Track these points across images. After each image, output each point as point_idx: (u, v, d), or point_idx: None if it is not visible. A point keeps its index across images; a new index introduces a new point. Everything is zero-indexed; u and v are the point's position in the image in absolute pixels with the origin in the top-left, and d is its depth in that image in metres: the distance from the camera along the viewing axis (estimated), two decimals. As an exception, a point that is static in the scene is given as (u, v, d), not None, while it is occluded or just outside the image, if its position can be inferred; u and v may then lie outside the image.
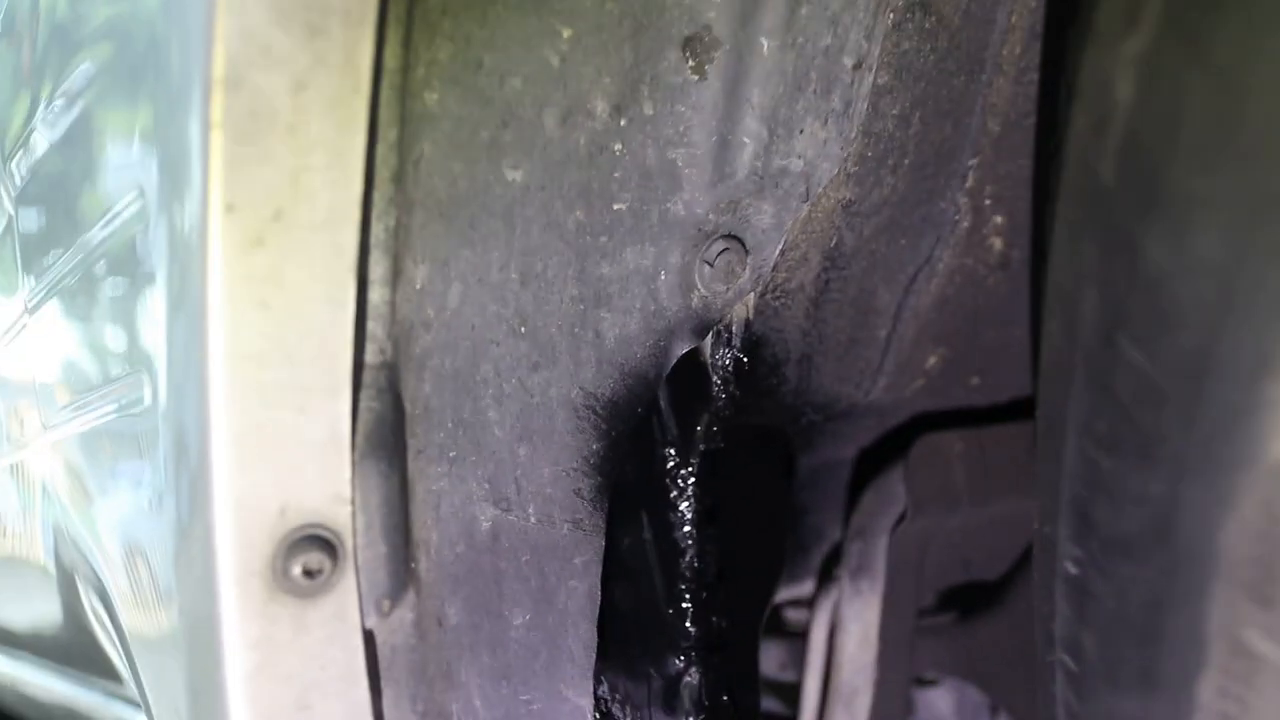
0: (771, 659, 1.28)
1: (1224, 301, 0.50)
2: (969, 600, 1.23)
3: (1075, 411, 0.60)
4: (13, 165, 0.97)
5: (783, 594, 1.22)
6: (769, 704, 1.18)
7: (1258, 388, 0.50)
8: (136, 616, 0.84)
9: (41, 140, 0.88)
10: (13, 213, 0.99)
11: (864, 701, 1.06)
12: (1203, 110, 0.51)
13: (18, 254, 0.98)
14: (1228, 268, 0.50)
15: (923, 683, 1.43)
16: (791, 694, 1.16)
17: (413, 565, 0.69)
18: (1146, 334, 0.54)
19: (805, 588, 1.16)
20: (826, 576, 1.13)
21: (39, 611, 1.25)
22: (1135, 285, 0.54)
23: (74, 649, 1.19)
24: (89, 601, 1.00)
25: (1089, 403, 0.59)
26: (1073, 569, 0.63)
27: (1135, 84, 0.54)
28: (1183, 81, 0.52)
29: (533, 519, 0.74)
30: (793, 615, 1.30)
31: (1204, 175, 0.51)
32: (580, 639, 0.75)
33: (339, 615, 0.65)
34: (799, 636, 1.21)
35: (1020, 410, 1.12)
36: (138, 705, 1.01)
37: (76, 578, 1.01)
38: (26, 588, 1.21)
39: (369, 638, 0.67)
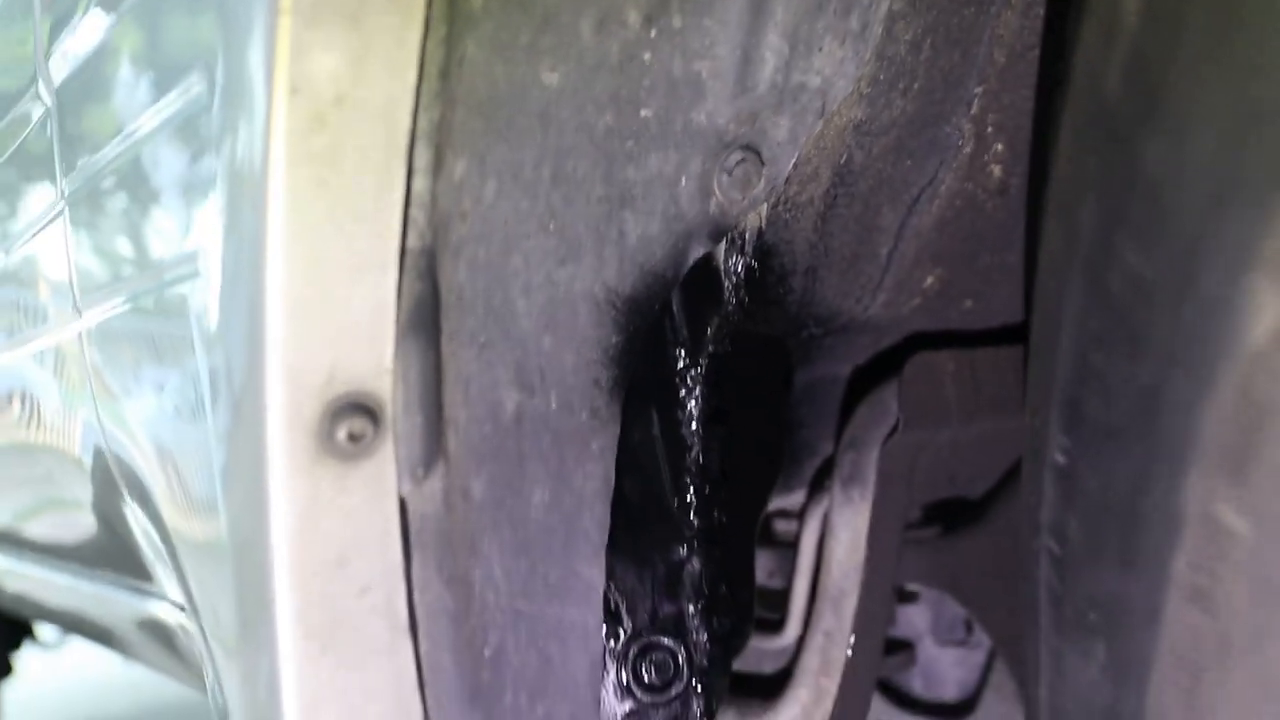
0: (761, 567, 1.34)
1: (1213, 202, 0.55)
2: (953, 516, 1.29)
3: (1070, 310, 0.65)
4: (54, 58, 1.01)
5: (775, 503, 1.27)
6: (758, 610, 1.23)
7: (1238, 280, 0.55)
8: (175, 505, 0.89)
9: (90, 29, 0.92)
10: (51, 104, 1.03)
11: (850, 603, 1.12)
12: (1200, 28, 0.56)
13: (56, 145, 1.02)
14: (1218, 171, 0.55)
15: (902, 599, 1.49)
16: (779, 600, 1.22)
17: (443, 441, 0.74)
18: (1142, 234, 0.59)
19: (796, 498, 1.22)
20: (818, 487, 1.18)
21: (69, 510, 1.29)
22: (1134, 189, 0.59)
23: (103, 548, 1.23)
24: (125, 496, 1.04)
25: (1084, 302, 0.64)
26: (1061, 459, 0.68)
27: (1142, 2, 0.59)
28: (1184, 1, 0.57)
29: (554, 405, 0.78)
30: (782, 526, 1.35)
31: (1200, 87, 0.56)
32: (595, 520, 0.80)
33: (377, 480, 0.70)
34: (788, 546, 1.27)
35: (1009, 336, 1.17)
36: (167, 599, 1.06)
37: (113, 472, 1.05)
38: (56, 480, 1.25)
39: (402, 505, 0.72)
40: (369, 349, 0.68)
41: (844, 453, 1.12)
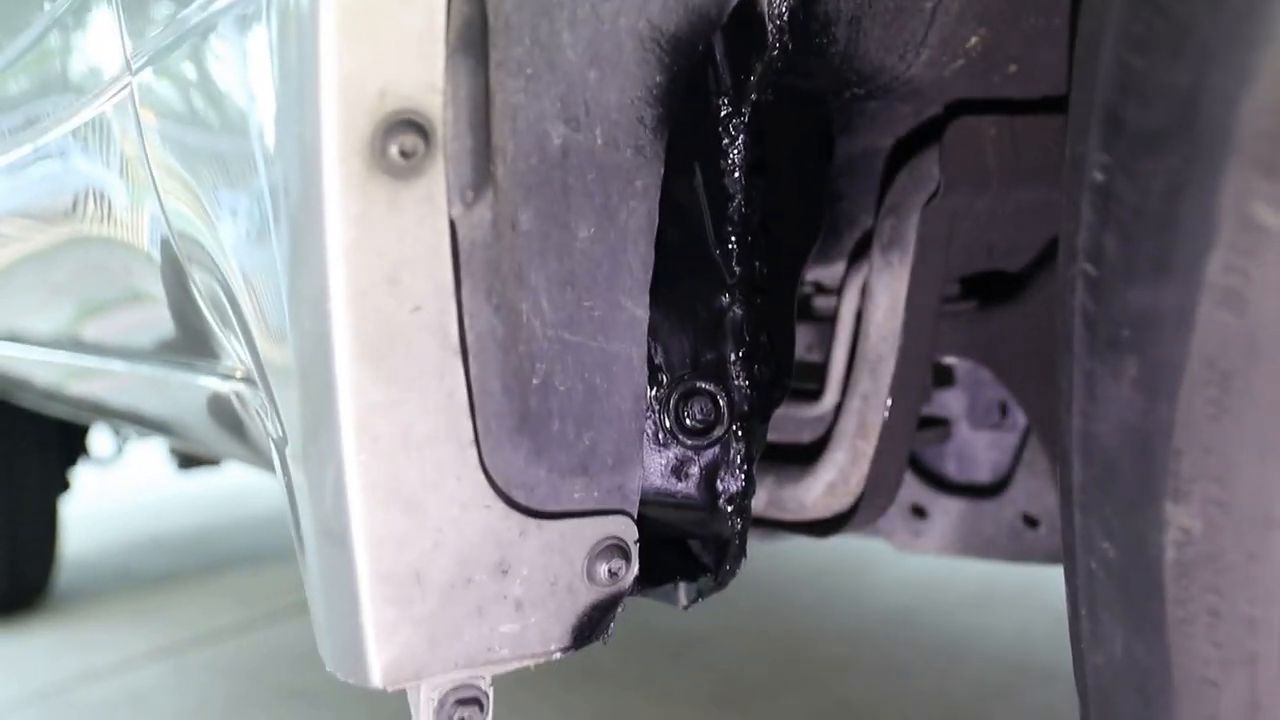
0: (800, 341, 1.36)
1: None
2: (990, 290, 1.30)
3: (1113, 20, 0.66)
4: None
5: (814, 274, 1.29)
6: (796, 381, 1.26)
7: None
8: (237, 254, 0.91)
9: None
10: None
11: (888, 368, 1.14)
12: None
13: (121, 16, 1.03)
14: None
15: (939, 382, 1.51)
16: (818, 373, 1.24)
17: (491, 168, 0.75)
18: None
19: (836, 270, 1.23)
20: (858, 257, 1.19)
21: (139, 303, 1.31)
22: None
23: (170, 336, 1.26)
24: (191, 275, 1.06)
25: (1128, 7, 0.64)
26: (1100, 176, 0.69)
27: None
28: None
29: (599, 141, 0.80)
30: (821, 303, 1.37)
31: None
32: (639, 255, 0.82)
33: (428, 198, 0.72)
34: (826, 321, 1.29)
35: (1051, 105, 1.17)
36: (234, 376, 1.08)
37: (178, 252, 1.07)
38: (132, 272, 1.27)
39: (453, 227, 0.74)
40: (420, 66, 0.69)
41: (884, 218, 1.14)
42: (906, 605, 3.13)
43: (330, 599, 0.79)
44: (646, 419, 0.92)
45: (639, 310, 0.82)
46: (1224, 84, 0.59)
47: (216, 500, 5.16)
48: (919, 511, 1.58)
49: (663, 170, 0.83)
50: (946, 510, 1.56)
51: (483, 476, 0.78)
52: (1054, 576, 1.43)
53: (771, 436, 1.27)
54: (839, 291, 1.22)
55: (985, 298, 1.30)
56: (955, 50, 1.03)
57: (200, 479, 5.04)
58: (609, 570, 0.83)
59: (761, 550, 1.82)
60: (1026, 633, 2.85)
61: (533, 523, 0.80)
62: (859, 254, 1.20)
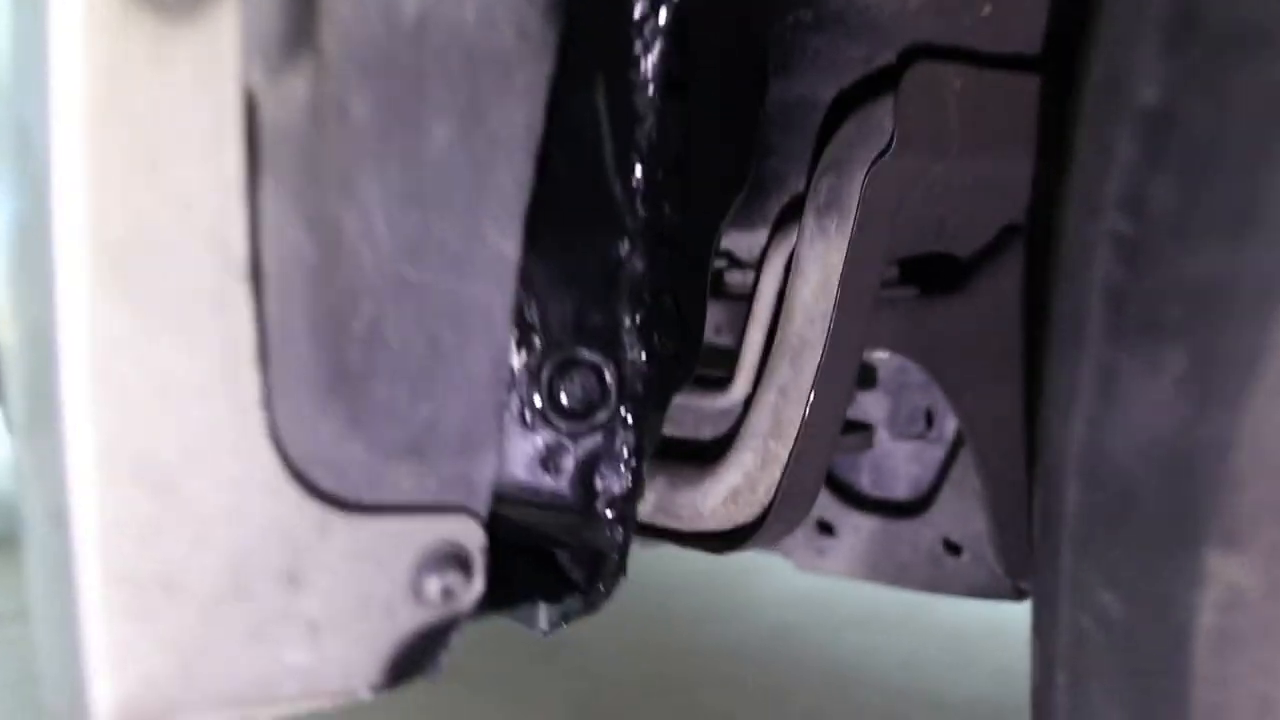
0: (707, 320, 1.16)
1: None
2: (935, 277, 1.11)
3: None
4: None
5: (727, 242, 1.09)
6: (699, 368, 1.06)
7: None
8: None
9: None
10: None
11: (813, 356, 0.95)
12: None
13: None
14: None
15: (859, 383, 1.32)
16: (727, 358, 1.04)
17: (314, 29, 0.54)
18: None
19: (756, 238, 1.03)
20: (784, 223, 1.00)
21: None
22: None
23: None
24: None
25: None
26: (1153, 96, 0.49)
27: None
28: None
29: (470, 14, 0.59)
30: (733, 280, 1.17)
31: None
32: (513, 173, 0.61)
33: (213, 54, 0.51)
34: (740, 299, 1.09)
35: (1023, 64, 0.99)
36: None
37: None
38: None
39: (250, 102, 0.53)
40: None
41: (822, 176, 0.94)
42: (792, 621, 2.99)
43: (47, 607, 0.57)
44: (509, 391, 0.72)
45: (507, 245, 0.62)
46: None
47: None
48: (825, 528, 1.39)
49: (553, 69, 0.62)
50: (857, 528, 1.37)
51: (272, 450, 0.57)
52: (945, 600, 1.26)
53: (666, 429, 1.07)
54: (759, 264, 1.02)
55: (927, 285, 1.11)
56: (925, -27, 0.85)
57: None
58: (442, 586, 0.63)
59: (644, 551, 1.64)
60: (914, 658, 2.72)
61: (340, 517, 0.59)
62: (786, 220, 1.00)
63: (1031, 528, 1.21)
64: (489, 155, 0.60)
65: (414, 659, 0.63)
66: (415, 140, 0.59)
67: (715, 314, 1.16)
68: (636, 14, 0.70)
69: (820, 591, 3.13)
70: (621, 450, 0.74)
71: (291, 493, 0.58)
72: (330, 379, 0.58)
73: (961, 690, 2.51)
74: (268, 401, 0.56)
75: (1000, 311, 1.12)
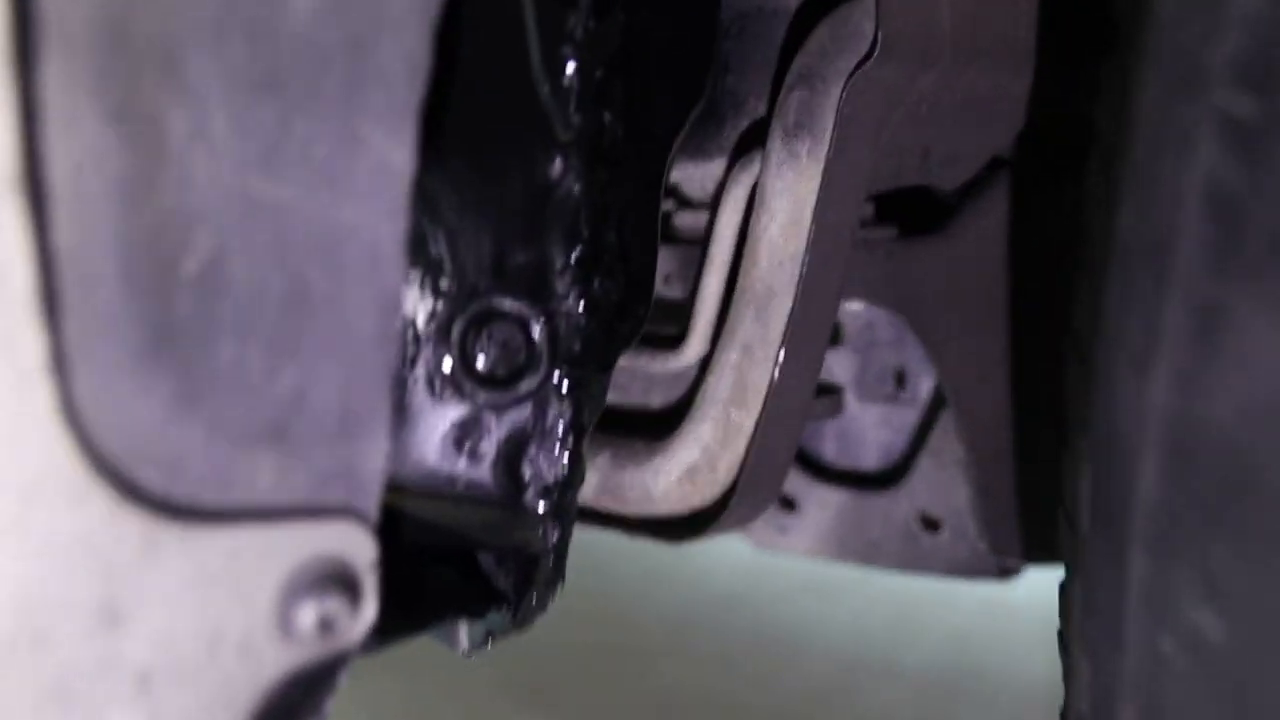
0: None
1: None
2: (915, 216, 0.97)
3: None
4: None
5: (680, 174, 0.93)
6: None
7: None
8: None
9: None
10: None
11: (781, 307, 0.79)
12: None
13: None
14: None
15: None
16: (678, 313, 0.89)
17: None
18: None
19: (711, 170, 0.88)
20: (744, 151, 0.84)
21: None
22: None
23: None
24: None
25: None
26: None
27: None
28: None
29: None
30: (683, 222, 1.01)
31: None
32: (402, 54, 0.45)
33: None
34: (693, 244, 0.94)
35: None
36: None
37: None
38: None
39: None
40: None
41: (791, 91, 0.79)
42: (738, 590, 2.89)
43: None
44: (409, 352, 0.56)
45: (397, 152, 0.46)
46: None
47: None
48: (787, 503, 1.25)
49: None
50: (823, 503, 1.23)
51: (69, 438, 0.41)
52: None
53: (610, 397, 0.91)
54: (715, 200, 0.87)
55: (907, 225, 0.96)
56: None
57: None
58: (320, 616, 0.47)
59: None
60: (864, 624, 2.62)
61: (175, 529, 0.43)
62: (746, 147, 0.85)
63: (1023, 501, 1.08)
64: (370, 28, 0.44)
65: (287, 713, 0.47)
66: (268, 6, 0.42)
67: (664, 261, 1.00)
68: None
69: (765, 556, 3.01)
70: (555, 426, 0.59)
71: (101, 497, 0.41)
72: (152, 337, 0.42)
73: (913, 656, 2.42)
74: (59, 367, 0.40)
75: (986, 253, 0.98)
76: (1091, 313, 0.51)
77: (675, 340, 0.88)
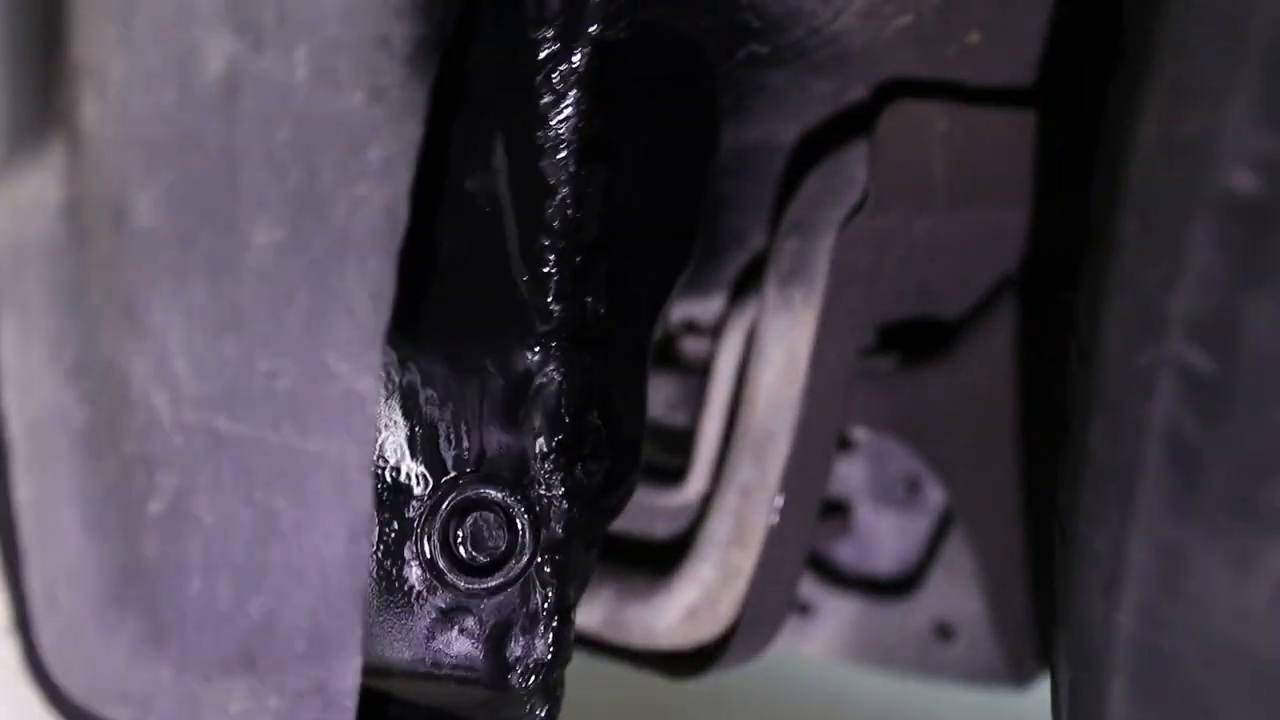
0: (659, 398, 1.00)
1: None
2: (917, 343, 0.96)
3: None
4: None
5: (682, 312, 0.93)
6: (650, 454, 0.90)
7: None
8: None
9: None
10: None
11: (779, 450, 0.80)
12: None
13: None
14: None
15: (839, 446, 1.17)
16: (682, 442, 0.89)
17: (73, 100, 0.39)
18: None
19: (713, 306, 0.88)
20: (744, 290, 0.85)
21: None
22: None
23: None
24: None
25: None
26: (1249, 185, 0.34)
27: None
28: None
29: (301, 71, 0.43)
30: (691, 347, 1.01)
31: None
32: (366, 282, 0.46)
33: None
34: (697, 372, 0.94)
35: (1016, 99, 0.84)
36: None
37: None
38: None
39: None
40: None
41: (785, 238, 0.79)
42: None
43: None
44: (394, 543, 0.56)
45: (361, 380, 0.46)
46: None
47: None
48: (803, 609, 1.24)
49: (421, 133, 0.47)
50: (839, 609, 1.22)
51: (35, 689, 0.41)
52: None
53: (616, 524, 0.91)
54: (715, 335, 0.87)
55: (909, 352, 0.96)
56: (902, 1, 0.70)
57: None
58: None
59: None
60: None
61: (142, 765, 0.43)
62: (746, 285, 0.85)
63: (1035, 609, 1.07)
64: (334, 259, 0.45)
65: None
66: (228, 247, 0.43)
67: (668, 388, 1.00)
68: (542, 55, 0.55)
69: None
70: (540, 609, 0.59)
71: (68, 740, 0.42)
72: (118, 580, 0.42)
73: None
74: (24, 622, 0.40)
75: (993, 376, 0.97)
76: (1066, 516, 0.50)
77: (678, 473, 0.88)
